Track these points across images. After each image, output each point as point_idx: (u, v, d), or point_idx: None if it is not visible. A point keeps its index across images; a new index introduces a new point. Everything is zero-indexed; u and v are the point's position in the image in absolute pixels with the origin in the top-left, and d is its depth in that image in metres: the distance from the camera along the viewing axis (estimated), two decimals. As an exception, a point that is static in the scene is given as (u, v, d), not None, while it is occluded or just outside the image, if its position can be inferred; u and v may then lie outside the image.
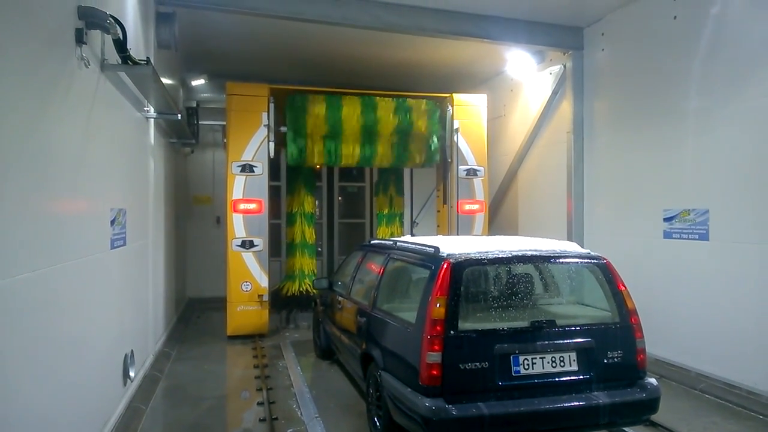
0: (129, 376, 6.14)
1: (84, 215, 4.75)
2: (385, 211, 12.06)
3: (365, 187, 14.08)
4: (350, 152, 10.56)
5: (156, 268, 8.32)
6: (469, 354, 4.54)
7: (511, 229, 12.02)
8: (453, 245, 5.17)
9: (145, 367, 7.38)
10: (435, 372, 4.49)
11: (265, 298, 9.85)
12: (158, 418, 6.28)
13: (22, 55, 3.45)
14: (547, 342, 4.72)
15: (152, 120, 7.86)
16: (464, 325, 4.61)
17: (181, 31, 8.61)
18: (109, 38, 5.02)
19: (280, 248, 12.65)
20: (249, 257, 9.82)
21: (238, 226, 9.76)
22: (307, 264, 11.31)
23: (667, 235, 7.91)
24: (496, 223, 12.50)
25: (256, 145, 9.84)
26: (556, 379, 4.73)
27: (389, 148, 10.76)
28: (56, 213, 4.04)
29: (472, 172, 10.99)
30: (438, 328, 4.54)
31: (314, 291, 10.70)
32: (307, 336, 9.91)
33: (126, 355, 6.10)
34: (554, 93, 10.51)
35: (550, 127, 10.82)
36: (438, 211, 11.84)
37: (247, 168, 9.79)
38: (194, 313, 12.37)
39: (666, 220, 7.93)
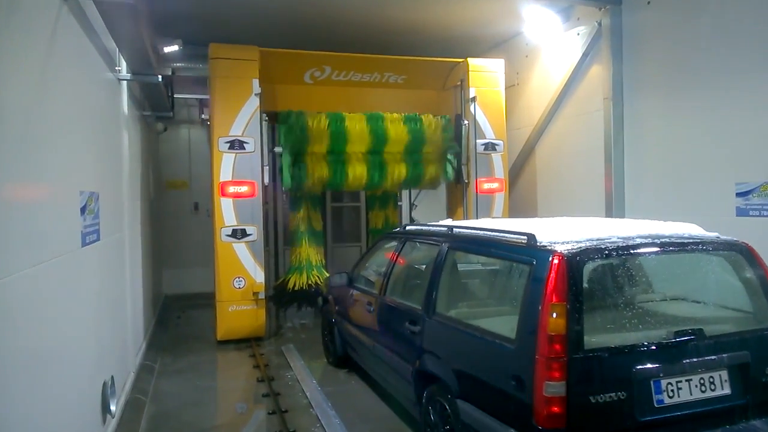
0: (109, 411, 4.69)
1: (43, 202, 3.30)
2: (378, 193, 10.70)
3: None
4: (356, 176, 9.25)
5: (134, 266, 6.84)
6: (602, 381, 3.27)
7: (528, 212, 10.80)
8: (546, 231, 3.87)
9: (126, 390, 5.94)
10: (557, 409, 3.20)
11: (261, 295, 8.44)
12: (149, 462, 4.88)
13: None
14: (694, 359, 3.48)
15: (125, 83, 6.35)
16: (592, 341, 3.32)
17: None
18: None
19: (268, 237, 11.21)
20: (241, 248, 8.38)
21: (227, 213, 8.30)
22: (314, 254, 9.90)
23: (742, 212, 6.76)
24: (509, 205, 11.24)
25: (246, 118, 8.35)
26: (705, 408, 3.49)
27: (400, 170, 9.49)
28: None
29: (490, 147, 9.72)
30: (557, 347, 3.25)
31: (322, 287, 9.40)
32: (312, 336, 8.59)
33: (105, 384, 4.66)
34: (584, 55, 9.26)
35: (579, 94, 9.58)
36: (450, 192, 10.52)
37: (236, 144, 8.31)
38: (173, 312, 10.89)
39: (740, 195, 6.78)
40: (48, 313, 3.26)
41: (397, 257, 5.57)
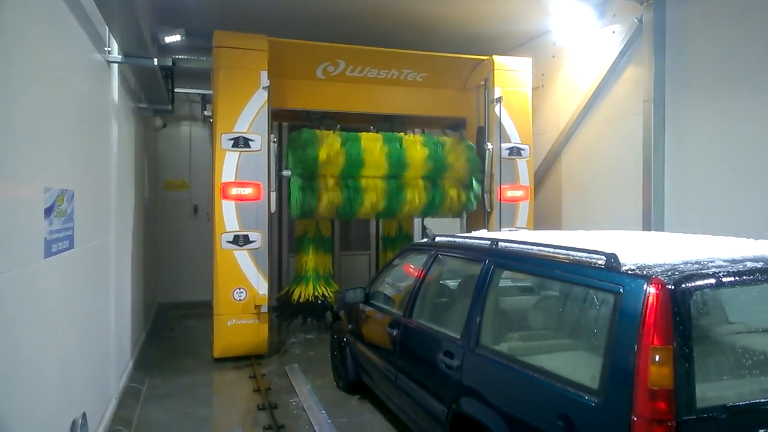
0: (81, 454, 3.91)
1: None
2: None
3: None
4: (371, 204, 8.48)
5: (121, 275, 6.05)
6: (721, 453, 2.48)
7: (552, 223, 10.01)
8: (626, 249, 3.10)
9: (106, 420, 5.14)
10: (661, 490, 2.41)
11: (264, 309, 7.64)
12: None
13: None
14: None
15: (116, 67, 5.58)
16: (706, 396, 2.53)
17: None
18: None
19: (271, 243, 10.43)
20: (243, 257, 7.59)
21: (229, 217, 7.51)
22: (321, 263, 9.14)
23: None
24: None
25: (252, 113, 7.59)
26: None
27: (418, 198, 8.73)
28: None
29: (515, 151, 8.95)
30: (662, 405, 2.46)
31: (331, 300, 8.63)
32: (318, 354, 7.86)
33: (74, 423, 3.87)
34: (621, 54, 8.48)
35: (613, 97, 8.80)
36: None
37: (241, 142, 7.54)
38: (167, 323, 10.08)
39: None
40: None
41: (425, 274, 4.76)
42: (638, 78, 8.15)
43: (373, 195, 8.45)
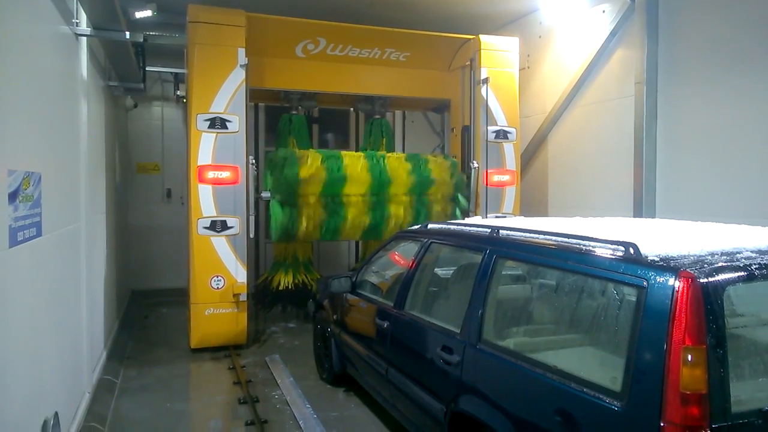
0: (51, 458, 3.60)
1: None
2: None
3: (350, 142, 11.53)
4: (354, 225, 8.15)
5: (93, 263, 5.68)
6: (757, 464, 2.29)
7: (538, 208, 9.84)
8: (643, 239, 2.89)
9: (79, 417, 4.82)
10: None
11: (243, 297, 7.34)
12: None
13: None
14: None
15: (85, 40, 5.18)
16: (740, 400, 2.34)
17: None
18: None
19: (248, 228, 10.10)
20: (221, 243, 7.26)
21: (205, 202, 7.16)
22: (302, 249, 8.87)
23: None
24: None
25: (229, 92, 7.23)
26: None
27: (403, 216, 8.40)
28: None
29: (502, 135, 8.72)
30: (695, 410, 2.26)
31: (312, 287, 8.36)
32: (301, 344, 7.65)
33: (46, 423, 3.57)
34: (612, 35, 8.27)
35: (602, 78, 8.60)
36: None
37: (218, 122, 7.18)
38: (140, 311, 9.71)
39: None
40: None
41: (419, 263, 4.51)
42: (629, 59, 7.96)
43: (355, 220, 8.11)
